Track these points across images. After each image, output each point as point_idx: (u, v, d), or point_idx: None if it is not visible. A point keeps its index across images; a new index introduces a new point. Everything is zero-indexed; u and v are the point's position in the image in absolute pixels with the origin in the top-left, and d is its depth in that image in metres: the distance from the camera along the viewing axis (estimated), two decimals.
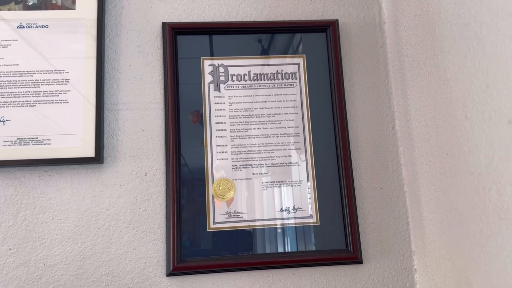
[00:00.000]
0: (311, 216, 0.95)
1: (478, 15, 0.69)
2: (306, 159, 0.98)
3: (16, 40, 0.96)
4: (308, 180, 0.97)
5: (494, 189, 0.66)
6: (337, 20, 1.03)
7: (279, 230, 0.95)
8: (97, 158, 0.91)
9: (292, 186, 0.97)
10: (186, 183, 0.95)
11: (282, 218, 0.95)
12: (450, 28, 0.78)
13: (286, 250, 0.94)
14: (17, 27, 0.97)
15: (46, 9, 0.98)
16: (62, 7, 0.98)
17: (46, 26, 0.97)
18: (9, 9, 0.97)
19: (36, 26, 0.97)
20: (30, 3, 0.98)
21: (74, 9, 0.98)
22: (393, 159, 1.00)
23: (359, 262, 0.92)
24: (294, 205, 0.96)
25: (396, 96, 1.02)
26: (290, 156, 0.98)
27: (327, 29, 1.03)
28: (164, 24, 1.00)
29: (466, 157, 0.73)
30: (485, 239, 0.69)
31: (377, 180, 0.99)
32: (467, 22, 0.72)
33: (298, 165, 0.98)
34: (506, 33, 0.62)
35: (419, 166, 0.92)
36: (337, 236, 0.94)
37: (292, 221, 0.95)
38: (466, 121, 0.73)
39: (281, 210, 0.96)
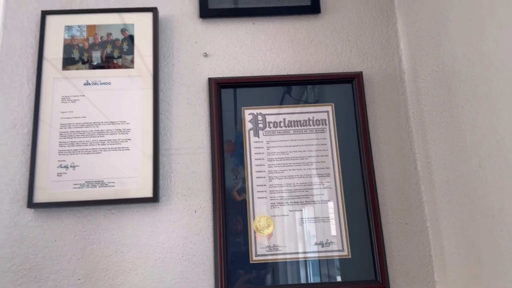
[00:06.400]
0: (342, 250, 1.06)
1: (488, 80, 0.81)
2: (337, 197, 1.10)
3: (84, 95, 1.11)
4: (339, 216, 1.09)
5: (505, 230, 0.76)
6: (361, 72, 1.17)
7: (314, 263, 1.06)
8: (155, 198, 1.05)
9: (324, 222, 1.08)
10: (230, 219, 1.07)
11: (317, 252, 1.06)
12: (463, 87, 0.90)
13: (321, 281, 1.05)
14: (84, 84, 1.12)
15: (109, 68, 1.14)
16: (122, 66, 1.14)
17: (109, 83, 1.13)
18: (77, 69, 1.13)
19: (100, 83, 1.13)
20: (95, 63, 1.14)
21: (133, 67, 1.14)
22: (415, 196, 1.11)
23: None
24: (327, 239, 1.07)
25: (417, 140, 1.14)
26: (322, 194, 1.10)
27: (353, 80, 1.16)
28: (210, 79, 1.14)
29: (481, 201, 0.84)
30: (499, 274, 0.79)
31: (402, 216, 1.10)
32: (478, 84, 0.84)
33: (330, 202, 1.10)
34: None
35: (440, 204, 1.03)
36: (367, 268, 1.05)
37: (326, 254, 1.06)
38: (480, 169, 0.84)
39: (315, 244, 1.07)
